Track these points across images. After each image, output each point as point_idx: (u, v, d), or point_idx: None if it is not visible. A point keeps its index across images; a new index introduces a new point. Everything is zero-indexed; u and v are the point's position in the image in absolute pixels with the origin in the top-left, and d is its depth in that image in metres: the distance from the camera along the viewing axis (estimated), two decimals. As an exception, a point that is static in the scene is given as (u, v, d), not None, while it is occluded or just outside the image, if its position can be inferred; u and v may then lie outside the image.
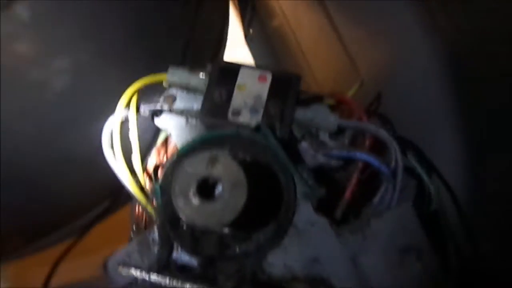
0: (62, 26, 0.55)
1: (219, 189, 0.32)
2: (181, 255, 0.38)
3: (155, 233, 0.40)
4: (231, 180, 0.32)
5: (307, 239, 0.39)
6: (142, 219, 0.48)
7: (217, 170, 0.32)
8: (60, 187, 0.69)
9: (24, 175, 0.64)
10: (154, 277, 0.33)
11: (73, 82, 0.60)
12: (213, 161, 0.32)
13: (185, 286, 0.33)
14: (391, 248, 0.39)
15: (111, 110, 0.44)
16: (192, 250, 0.38)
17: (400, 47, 0.53)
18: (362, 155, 0.41)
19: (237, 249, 0.38)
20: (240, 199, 0.31)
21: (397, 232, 0.39)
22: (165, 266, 0.38)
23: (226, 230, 0.38)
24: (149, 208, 0.40)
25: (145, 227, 0.46)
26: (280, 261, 0.38)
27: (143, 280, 0.34)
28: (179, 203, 0.32)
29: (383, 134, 0.41)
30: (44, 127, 0.62)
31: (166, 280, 0.34)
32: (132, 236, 0.47)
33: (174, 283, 0.34)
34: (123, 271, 0.34)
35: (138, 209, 0.48)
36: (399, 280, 0.39)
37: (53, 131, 0.62)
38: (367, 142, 0.42)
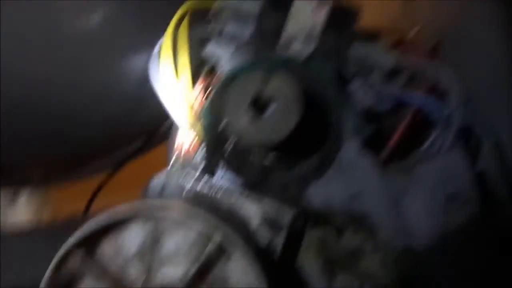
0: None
1: (271, 107, 0.32)
2: (223, 177, 0.39)
3: (199, 156, 0.40)
4: (285, 98, 0.31)
5: (350, 175, 0.38)
6: (182, 147, 0.48)
7: (271, 87, 0.31)
8: (95, 121, 0.71)
9: (59, 106, 0.65)
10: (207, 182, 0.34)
11: (113, 13, 0.60)
12: (267, 78, 0.31)
13: (241, 191, 0.33)
14: (437, 193, 0.38)
15: (151, 45, 0.44)
16: (236, 172, 0.38)
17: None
18: (417, 98, 0.39)
19: (280, 177, 0.38)
20: (292, 118, 0.31)
21: (444, 178, 0.38)
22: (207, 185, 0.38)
23: (270, 157, 0.37)
24: (195, 131, 0.41)
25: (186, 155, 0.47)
26: (321, 193, 0.38)
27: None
28: (230, 119, 0.32)
29: (445, 74, 0.38)
30: (81, 59, 0.62)
31: (217, 185, 0.34)
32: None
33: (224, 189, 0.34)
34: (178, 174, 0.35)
35: (178, 136, 0.49)
36: (441, 226, 0.38)
37: (90, 63, 0.63)
38: (424, 85, 0.40)
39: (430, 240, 0.38)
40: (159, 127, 0.76)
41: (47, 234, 0.50)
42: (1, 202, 1.01)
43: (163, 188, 0.41)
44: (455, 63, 0.49)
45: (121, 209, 0.31)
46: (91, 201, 0.80)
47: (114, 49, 0.63)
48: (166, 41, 0.43)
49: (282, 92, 0.32)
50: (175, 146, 0.49)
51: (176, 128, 0.50)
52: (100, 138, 0.75)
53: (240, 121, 0.31)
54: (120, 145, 0.79)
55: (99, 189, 0.81)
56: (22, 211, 1.01)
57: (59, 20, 0.58)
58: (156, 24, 0.46)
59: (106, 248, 0.33)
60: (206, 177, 0.36)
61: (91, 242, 0.32)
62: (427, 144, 0.40)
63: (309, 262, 0.37)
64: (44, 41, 0.60)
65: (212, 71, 0.47)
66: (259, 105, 0.32)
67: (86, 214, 0.79)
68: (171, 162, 0.47)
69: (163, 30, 0.44)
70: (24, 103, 0.61)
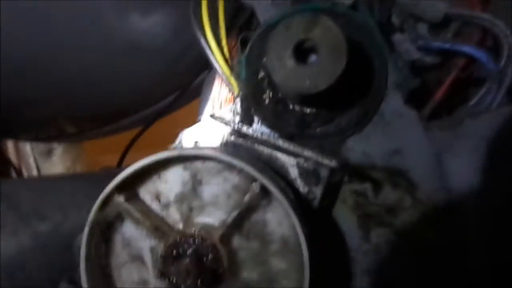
0: None
1: (315, 54, 0.30)
2: (259, 130, 0.38)
3: (235, 107, 0.39)
4: (330, 44, 0.30)
5: (392, 130, 0.37)
6: (217, 100, 0.48)
7: (315, 34, 0.30)
8: (126, 76, 0.71)
9: (89, 62, 0.65)
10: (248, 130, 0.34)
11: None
12: (310, 25, 0.30)
13: (277, 142, 0.33)
14: (483, 151, 0.36)
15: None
16: (273, 125, 0.37)
17: None
18: (469, 48, 0.37)
19: (318, 130, 0.37)
20: (338, 65, 0.29)
21: (492, 135, 0.36)
22: (243, 137, 0.38)
23: (309, 108, 0.37)
24: (232, 81, 0.40)
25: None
26: (360, 147, 0.37)
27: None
28: (273, 65, 0.30)
29: (500, 26, 0.36)
30: (107, 14, 0.61)
31: (254, 136, 0.34)
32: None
33: (261, 140, 0.34)
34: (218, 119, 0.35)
35: (214, 89, 0.48)
36: (484, 185, 0.37)
37: (116, 19, 0.61)
38: (475, 36, 0.38)
39: (471, 199, 0.36)
40: (189, 84, 0.76)
41: (87, 179, 0.52)
42: (37, 155, 1.05)
43: (196, 141, 0.41)
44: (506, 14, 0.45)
45: (161, 154, 0.32)
46: (123, 155, 0.83)
47: (139, 5, 0.62)
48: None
49: (327, 40, 0.30)
50: (210, 98, 0.49)
51: (210, 82, 0.50)
52: (131, 94, 0.76)
53: (282, 68, 0.30)
54: (151, 102, 0.80)
55: (131, 143, 0.83)
56: (57, 164, 1.05)
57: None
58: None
59: (146, 193, 0.34)
60: (242, 128, 0.36)
61: (131, 186, 0.33)
62: (475, 99, 0.38)
63: (345, 215, 0.37)
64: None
65: (248, 21, 0.46)
66: (302, 53, 0.31)
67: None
68: (204, 114, 0.47)
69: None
70: (54, 59, 0.61)
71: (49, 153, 1.06)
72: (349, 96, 0.36)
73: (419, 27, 0.39)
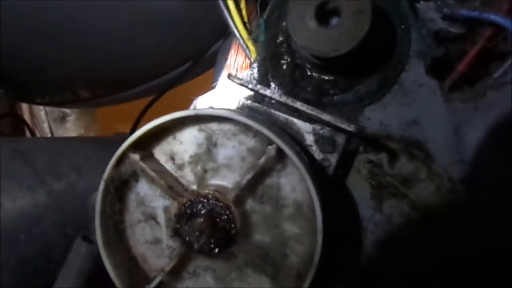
0: None
1: (338, 17, 0.29)
2: (276, 96, 0.37)
3: (252, 72, 0.39)
4: (354, 6, 0.29)
5: (411, 100, 0.36)
6: (234, 65, 0.47)
7: (339, -5, 0.29)
8: (141, 42, 0.70)
9: (103, 28, 0.64)
10: (266, 91, 0.33)
11: None
12: (336, -16, 0.29)
13: (296, 104, 0.32)
14: (505, 125, 0.35)
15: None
16: (290, 91, 0.37)
17: None
18: (497, 17, 0.35)
19: (335, 98, 0.36)
20: (361, 28, 0.28)
21: (515, 109, 0.35)
22: (259, 102, 0.38)
23: (327, 74, 0.36)
24: (249, 45, 0.39)
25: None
26: (377, 117, 0.36)
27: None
28: (294, 26, 0.30)
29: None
30: None
31: (271, 101, 0.33)
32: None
33: (277, 105, 0.33)
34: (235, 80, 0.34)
35: (230, 55, 0.47)
36: (502, 161, 0.36)
37: None
38: (505, 5, 0.36)
39: (488, 172, 0.36)
40: (204, 54, 0.75)
41: (101, 142, 0.52)
42: (51, 121, 1.06)
43: (211, 106, 0.40)
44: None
45: (177, 113, 0.31)
46: (136, 124, 0.83)
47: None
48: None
49: (350, 2, 0.29)
50: (225, 66, 0.48)
51: (225, 50, 0.49)
52: (145, 61, 0.75)
53: (304, 30, 0.30)
54: (164, 71, 0.80)
55: (144, 112, 0.83)
56: (70, 130, 1.07)
57: None
58: None
59: (161, 153, 0.34)
60: (259, 92, 0.35)
61: (147, 146, 0.33)
62: (500, 71, 0.36)
63: (358, 185, 0.37)
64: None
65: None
66: (324, 14, 0.30)
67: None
68: (219, 81, 0.47)
69: None
70: (71, 21, 0.61)
71: (63, 119, 1.07)
72: (369, 63, 0.35)
73: (446, -6, 0.38)
